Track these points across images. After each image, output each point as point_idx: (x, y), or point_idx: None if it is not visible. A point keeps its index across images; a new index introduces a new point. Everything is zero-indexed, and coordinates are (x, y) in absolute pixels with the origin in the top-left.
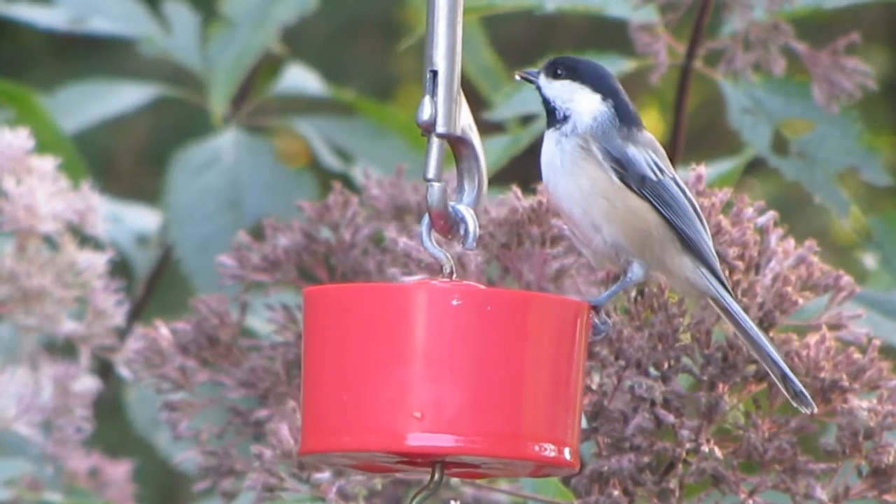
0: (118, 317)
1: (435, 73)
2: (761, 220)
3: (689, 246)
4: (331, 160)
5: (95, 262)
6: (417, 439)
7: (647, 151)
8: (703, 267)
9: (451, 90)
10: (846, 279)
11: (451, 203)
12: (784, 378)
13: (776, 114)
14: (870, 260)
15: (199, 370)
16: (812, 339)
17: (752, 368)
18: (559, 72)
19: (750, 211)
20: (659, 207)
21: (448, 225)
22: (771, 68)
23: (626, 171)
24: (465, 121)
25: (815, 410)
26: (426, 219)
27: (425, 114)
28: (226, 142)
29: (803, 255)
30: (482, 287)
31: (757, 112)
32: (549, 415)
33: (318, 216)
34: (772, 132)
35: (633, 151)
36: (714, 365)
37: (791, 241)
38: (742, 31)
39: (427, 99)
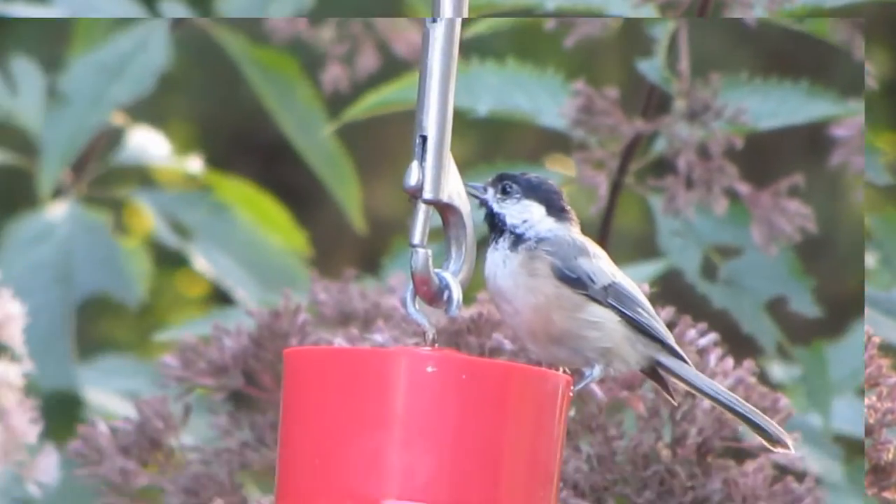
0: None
1: (424, 139)
2: (702, 341)
3: (647, 335)
4: (168, 236)
5: (10, 373)
6: None
7: (597, 260)
8: (660, 349)
9: (441, 156)
10: (784, 402)
11: (436, 270)
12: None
13: (706, 238)
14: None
15: (139, 473)
16: (750, 466)
17: (689, 496)
18: (508, 188)
19: (692, 332)
20: (621, 309)
21: (432, 291)
22: (712, 208)
23: (588, 287)
24: (454, 187)
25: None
26: (410, 284)
27: (413, 179)
28: (59, 215)
29: (742, 376)
30: (463, 355)
31: (686, 235)
32: (526, 488)
33: (268, 323)
34: (701, 256)
35: (587, 265)
36: (651, 489)
37: (730, 362)
38: (684, 170)
39: (415, 164)
